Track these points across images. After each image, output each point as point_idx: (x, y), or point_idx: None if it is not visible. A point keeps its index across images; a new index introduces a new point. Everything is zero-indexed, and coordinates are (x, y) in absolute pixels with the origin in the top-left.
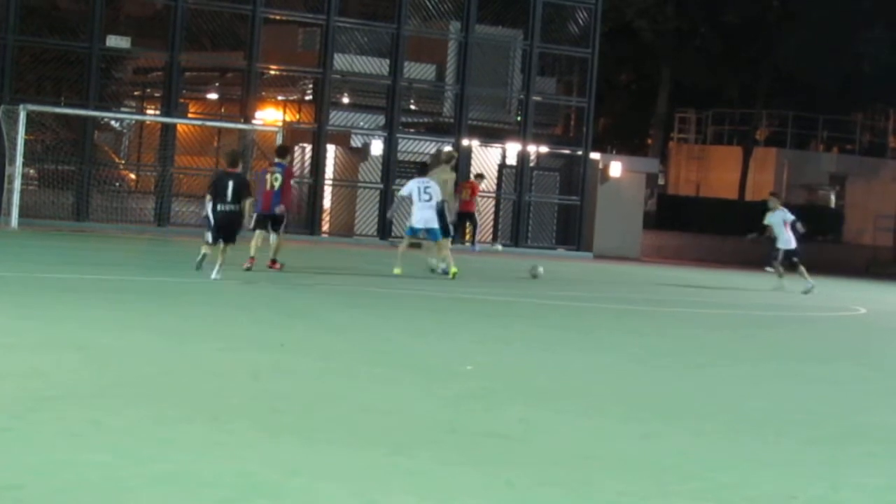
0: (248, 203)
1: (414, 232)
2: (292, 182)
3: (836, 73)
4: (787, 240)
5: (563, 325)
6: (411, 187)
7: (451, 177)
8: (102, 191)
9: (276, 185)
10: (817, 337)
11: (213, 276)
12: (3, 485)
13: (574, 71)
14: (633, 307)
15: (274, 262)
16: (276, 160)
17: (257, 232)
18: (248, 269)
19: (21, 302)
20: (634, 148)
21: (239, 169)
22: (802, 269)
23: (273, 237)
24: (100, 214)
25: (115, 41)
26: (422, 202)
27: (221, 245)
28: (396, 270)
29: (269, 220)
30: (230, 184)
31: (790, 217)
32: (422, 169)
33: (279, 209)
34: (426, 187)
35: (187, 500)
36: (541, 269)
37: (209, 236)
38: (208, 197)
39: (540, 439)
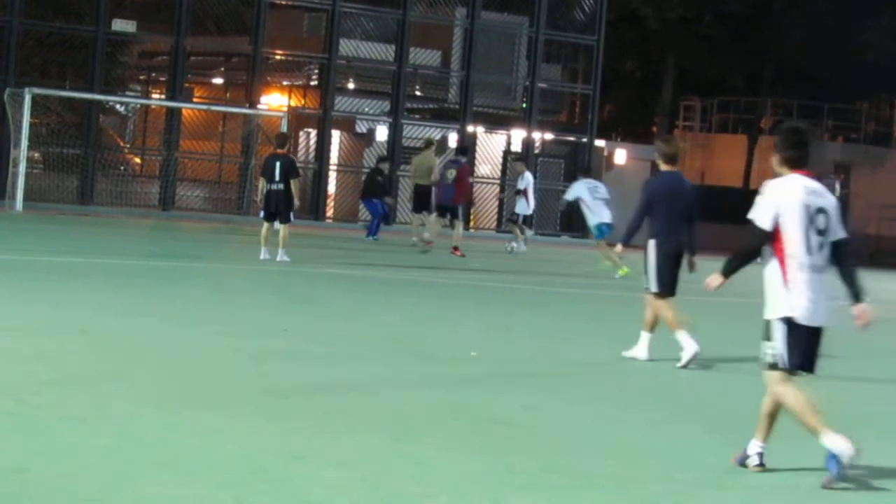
0: (294, 183)
1: (606, 230)
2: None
3: (842, 62)
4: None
5: (568, 313)
6: (579, 189)
7: (434, 162)
8: (107, 175)
9: (451, 178)
10: None
11: (279, 258)
12: (7, 468)
13: (579, 58)
14: (636, 295)
15: (455, 248)
16: (455, 156)
17: (431, 217)
18: (426, 252)
19: (24, 286)
20: (639, 136)
21: (287, 150)
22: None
23: (432, 221)
24: (104, 198)
25: (120, 25)
26: (599, 200)
27: (277, 225)
28: (623, 271)
29: (446, 210)
30: (277, 164)
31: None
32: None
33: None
34: (596, 187)
35: (189, 484)
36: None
37: (262, 214)
38: (262, 180)
39: (543, 426)
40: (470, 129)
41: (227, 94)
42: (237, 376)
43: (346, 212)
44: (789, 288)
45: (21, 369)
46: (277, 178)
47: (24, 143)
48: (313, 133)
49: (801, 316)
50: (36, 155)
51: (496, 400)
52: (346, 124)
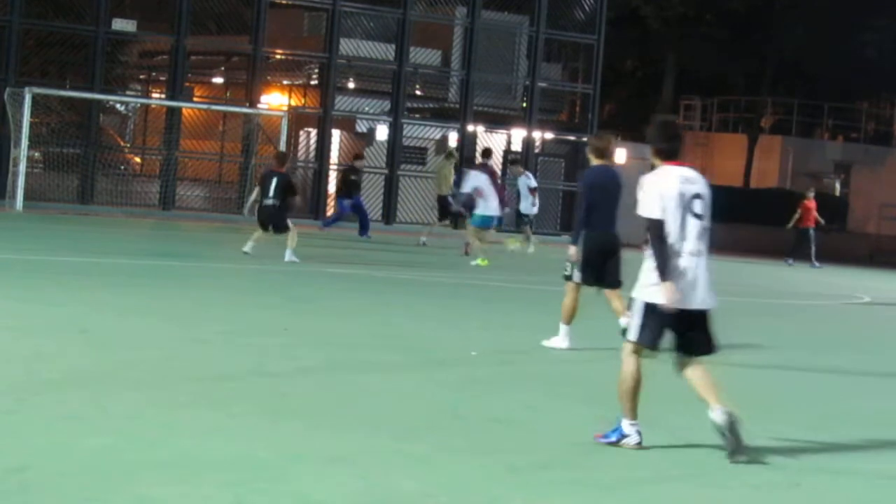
0: (292, 200)
1: (490, 222)
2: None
3: (842, 62)
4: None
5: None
6: (478, 178)
7: (449, 171)
8: (107, 174)
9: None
10: (820, 325)
11: (287, 258)
12: (7, 468)
13: (580, 57)
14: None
15: (469, 245)
16: (481, 160)
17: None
18: (466, 254)
19: (25, 285)
20: (639, 135)
21: (285, 169)
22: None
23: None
24: (104, 198)
25: (120, 24)
26: (493, 191)
27: (275, 233)
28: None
29: (471, 211)
30: (274, 181)
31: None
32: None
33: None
34: (489, 179)
35: (191, 483)
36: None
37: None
38: (256, 190)
39: (543, 425)
40: (470, 128)
41: (228, 94)
42: (237, 375)
43: None
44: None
45: (21, 368)
46: (272, 193)
47: (25, 142)
48: (313, 132)
49: (671, 300)
50: (36, 154)
51: (496, 399)
52: (347, 124)
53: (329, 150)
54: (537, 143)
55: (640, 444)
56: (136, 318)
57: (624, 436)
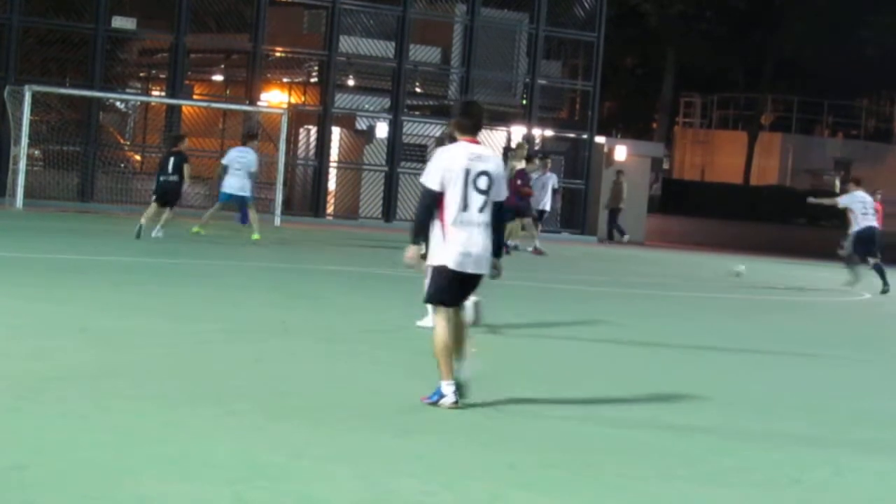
0: (186, 168)
1: (228, 198)
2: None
3: (842, 59)
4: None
5: (566, 309)
6: (228, 154)
7: (519, 164)
8: (107, 172)
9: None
10: (821, 322)
11: (155, 234)
12: (7, 465)
13: (580, 54)
14: (635, 291)
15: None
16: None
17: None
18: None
19: (25, 283)
20: (639, 132)
21: (181, 149)
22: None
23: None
24: (104, 195)
25: (120, 22)
26: (236, 171)
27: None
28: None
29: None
30: (172, 160)
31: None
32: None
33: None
34: (240, 157)
35: (189, 481)
36: (742, 268)
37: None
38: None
39: (543, 423)
40: None
41: (227, 91)
42: (237, 373)
43: (346, 209)
44: (447, 240)
45: (21, 366)
46: (171, 170)
47: (25, 140)
48: (313, 130)
49: (453, 264)
50: (36, 152)
51: (495, 397)
52: (347, 121)
53: (329, 147)
54: (537, 141)
55: (456, 403)
56: (136, 316)
57: (442, 395)
